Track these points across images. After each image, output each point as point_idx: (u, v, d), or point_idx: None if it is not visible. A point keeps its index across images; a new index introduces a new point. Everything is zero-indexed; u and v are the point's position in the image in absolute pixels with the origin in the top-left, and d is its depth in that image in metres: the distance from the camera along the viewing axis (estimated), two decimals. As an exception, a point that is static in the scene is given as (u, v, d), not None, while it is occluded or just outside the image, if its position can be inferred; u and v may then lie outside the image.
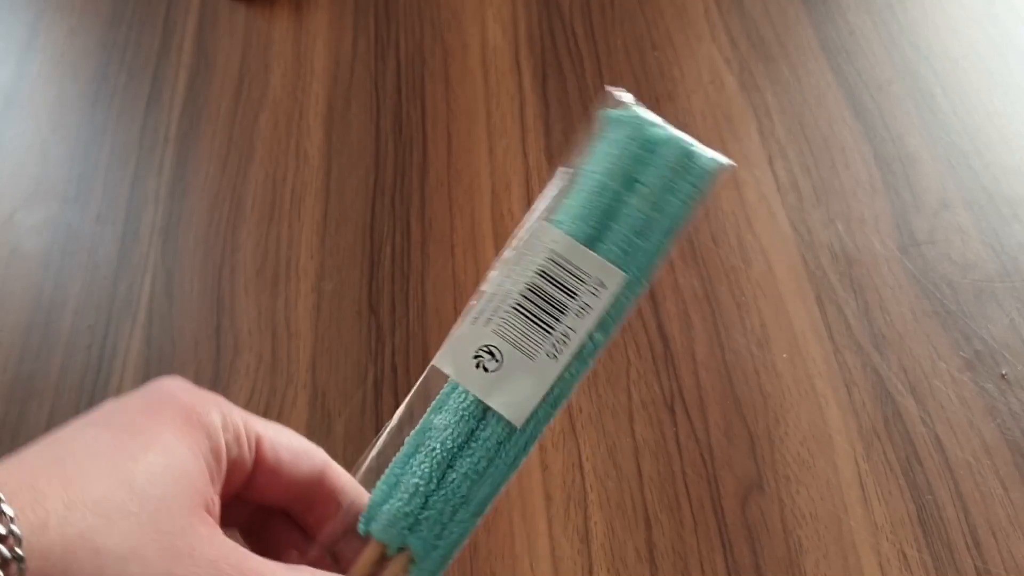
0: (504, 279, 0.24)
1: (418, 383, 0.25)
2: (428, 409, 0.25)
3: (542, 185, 0.50)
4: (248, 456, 0.23)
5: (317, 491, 0.25)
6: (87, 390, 0.44)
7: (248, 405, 0.42)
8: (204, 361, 0.44)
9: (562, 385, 0.24)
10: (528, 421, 0.24)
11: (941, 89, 0.51)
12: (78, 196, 0.51)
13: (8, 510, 0.17)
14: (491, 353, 0.24)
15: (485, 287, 0.25)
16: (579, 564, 0.38)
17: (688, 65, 0.54)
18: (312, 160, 0.52)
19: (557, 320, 0.24)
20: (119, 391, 0.44)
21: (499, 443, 0.24)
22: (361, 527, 0.24)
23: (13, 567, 0.17)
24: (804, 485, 0.39)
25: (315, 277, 0.47)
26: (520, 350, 0.24)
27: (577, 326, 0.24)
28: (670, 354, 0.43)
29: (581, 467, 0.40)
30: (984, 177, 0.47)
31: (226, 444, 0.22)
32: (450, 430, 0.24)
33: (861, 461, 0.39)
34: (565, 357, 0.24)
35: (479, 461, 0.23)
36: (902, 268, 0.45)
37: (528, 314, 0.24)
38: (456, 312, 0.46)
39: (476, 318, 0.24)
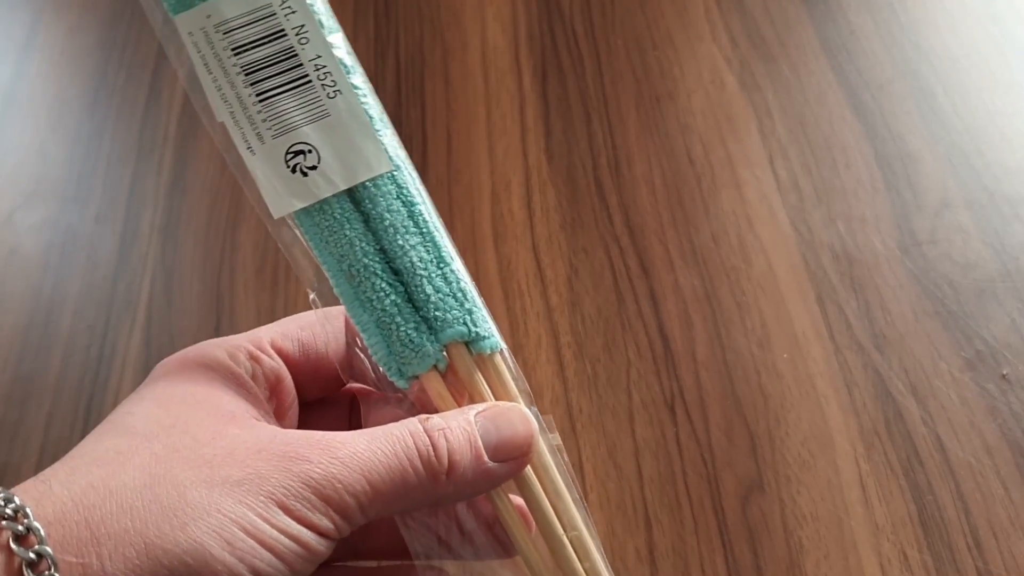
0: (220, 92, 0.21)
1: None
2: (321, 258, 0.22)
3: (542, 185, 0.50)
4: (275, 362, 0.22)
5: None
6: (86, 390, 0.44)
7: (248, 405, 0.42)
8: (203, 361, 0.44)
9: (363, 99, 0.21)
10: (390, 155, 0.21)
11: (942, 88, 0.51)
12: (77, 196, 0.51)
13: (11, 500, 0.17)
14: (299, 152, 0.21)
15: (217, 119, 0.21)
16: (579, 565, 0.38)
17: (688, 64, 0.54)
18: (312, 160, 0.52)
19: (298, 62, 0.21)
20: (118, 391, 0.44)
21: (397, 196, 0.21)
22: (403, 382, 0.22)
23: (31, 539, 0.16)
24: (805, 485, 0.39)
25: (315, 277, 0.47)
26: (311, 121, 0.21)
27: (316, 49, 0.20)
28: (670, 354, 0.43)
29: (581, 467, 0.40)
30: (985, 177, 0.47)
31: (240, 364, 0.21)
32: (357, 243, 0.21)
33: (862, 461, 0.39)
34: (341, 81, 0.21)
35: (401, 225, 0.21)
36: (903, 268, 0.45)
37: (275, 90, 0.21)
38: (456, 312, 0.46)
39: (249, 146, 0.21)
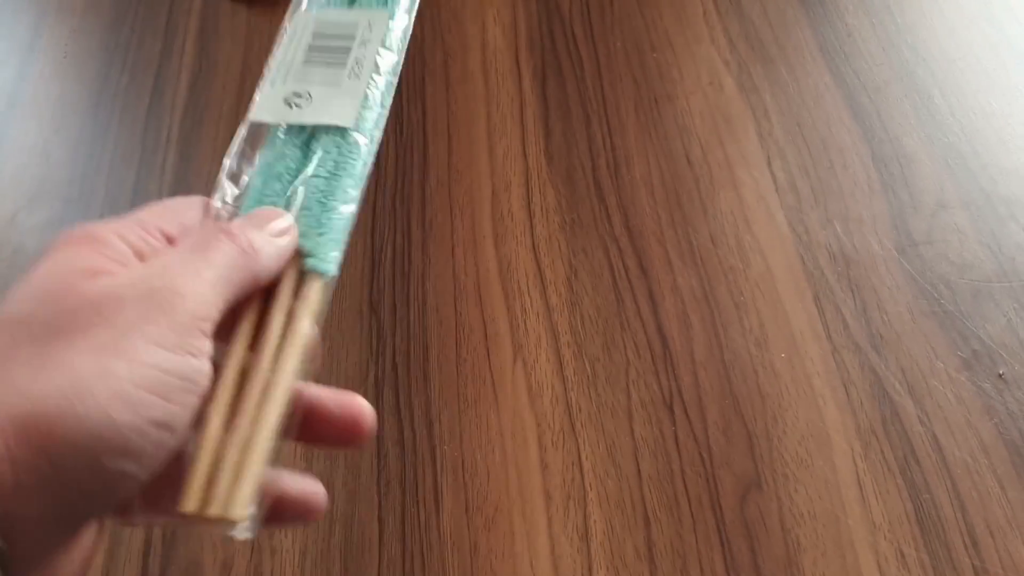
0: (286, 51, 0.27)
1: (236, 144, 0.27)
2: (259, 154, 0.26)
3: (542, 185, 0.51)
4: (160, 244, 0.23)
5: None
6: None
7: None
8: (206, 361, 0.45)
9: (376, 90, 0.27)
10: (356, 120, 0.26)
11: (939, 90, 0.51)
12: (80, 197, 0.52)
13: None
14: (298, 95, 0.27)
15: (270, 63, 0.27)
16: (579, 562, 0.38)
17: (687, 67, 0.54)
18: (313, 161, 0.52)
19: (346, 55, 0.27)
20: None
21: (337, 146, 0.26)
22: None
23: None
24: (802, 484, 0.39)
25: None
26: (324, 85, 0.27)
27: (364, 54, 0.27)
28: (669, 354, 0.43)
29: (580, 466, 0.40)
30: (981, 178, 0.47)
31: (129, 245, 0.22)
32: (287, 158, 0.26)
33: (859, 460, 0.39)
34: (364, 74, 0.27)
35: (327, 163, 0.26)
36: (900, 268, 0.45)
37: (318, 62, 0.27)
38: (457, 312, 0.46)
39: (273, 81, 0.27)
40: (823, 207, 0.47)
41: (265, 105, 0.27)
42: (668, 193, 0.49)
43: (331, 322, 0.46)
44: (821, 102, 0.51)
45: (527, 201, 0.49)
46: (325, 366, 0.44)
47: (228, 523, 0.21)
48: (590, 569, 0.38)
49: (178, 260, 0.21)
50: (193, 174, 0.52)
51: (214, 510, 0.20)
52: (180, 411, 0.19)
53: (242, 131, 0.27)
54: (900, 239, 0.46)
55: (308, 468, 0.42)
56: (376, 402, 0.43)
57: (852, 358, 0.42)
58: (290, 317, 0.24)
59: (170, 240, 0.23)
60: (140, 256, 0.22)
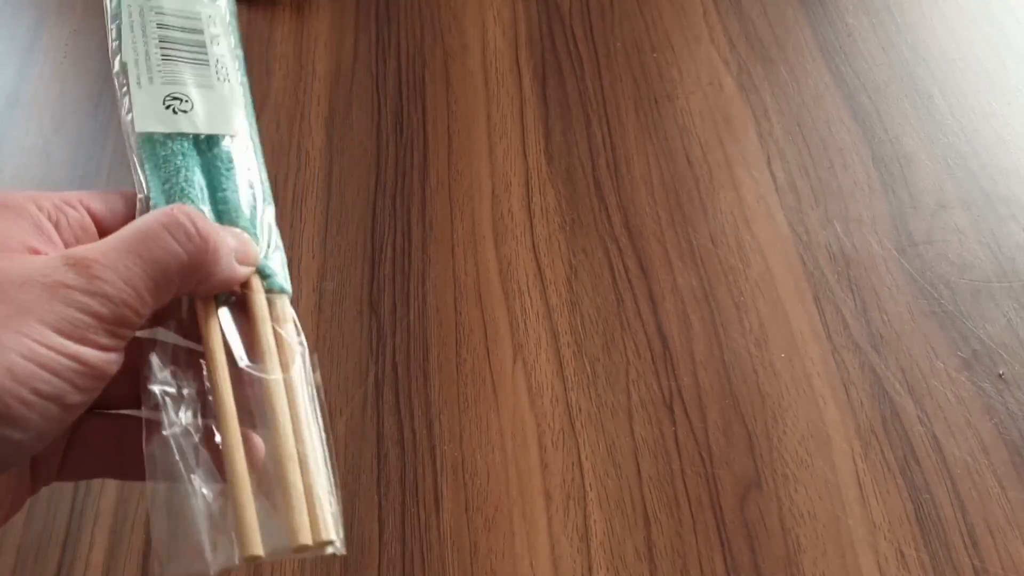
0: (133, 45, 0.26)
1: (134, 156, 0.26)
2: (151, 178, 0.26)
3: (542, 185, 0.51)
4: (81, 215, 0.23)
5: None
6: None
7: (249, 404, 0.42)
8: (206, 361, 0.45)
9: (245, 92, 0.28)
10: (248, 128, 0.27)
11: (939, 90, 0.51)
12: (80, 197, 0.52)
13: None
14: (178, 98, 0.26)
15: (118, 62, 0.26)
16: (578, 563, 0.38)
17: (687, 66, 0.54)
18: (313, 161, 0.52)
19: (205, 54, 0.27)
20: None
21: (228, 153, 0.26)
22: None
23: None
24: (802, 484, 0.39)
25: (316, 277, 0.48)
26: (199, 87, 0.26)
27: (221, 52, 0.27)
28: (669, 354, 0.43)
29: (580, 466, 0.40)
30: (981, 178, 0.47)
31: (43, 211, 0.22)
32: (183, 173, 0.26)
33: (859, 460, 0.39)
34: (233, 76, 0.27)
35: (225, 170, 0.26)
36: (900, 268, 0.45)
37: (178, 59, 0.27)
38: (457, 312, 0.46)
39: (139, 82, 0.26)
40: (823, 207, 0.47)
41: (147, 111, 0.26)
42: (668, 193, 0.49)
43: (331, 322, 0.46)
44: (821, 102, 0.52)
45: (527, 201, 0.50)
46: (324, 367, 0.44)
47: (328, 544, 0.21)
48: (590, 569, 0.38)
49: (100, 252, 0.20)
50: (193, 174, 0.52)
51: (324, 536, 0.21)
52: (71, 389, 0.19)
53: (131, 142, 0.26)
54: (900, 239, 0.46)
55: (308, 468, 0.42)
56: (376, 402, 0.43)
57: (852, 358, 0.42)
58: (278, 338, 0.24)
59: (95, 217, 0.23)
60: (56, 226, 0.22)
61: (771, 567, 0.37)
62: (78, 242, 0.23)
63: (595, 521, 0.39)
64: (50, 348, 0.18)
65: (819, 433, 0.40)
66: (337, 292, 0.47)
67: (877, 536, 0.37)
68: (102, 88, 0.57)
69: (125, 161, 0.53)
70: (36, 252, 0.21)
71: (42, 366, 0.18)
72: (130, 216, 0.25)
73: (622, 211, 0.48)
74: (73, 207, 0.23)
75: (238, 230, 0.25)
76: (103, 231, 0.24)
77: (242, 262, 0.24)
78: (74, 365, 0.19)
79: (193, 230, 0.22)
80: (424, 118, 0.54)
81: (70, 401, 0.19)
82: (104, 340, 0.20)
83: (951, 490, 0.38)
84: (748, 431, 0.41)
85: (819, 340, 0.43)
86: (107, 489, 0.42)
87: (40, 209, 0.22)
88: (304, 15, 0.60)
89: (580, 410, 0.42)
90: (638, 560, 0.38)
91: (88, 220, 0.23)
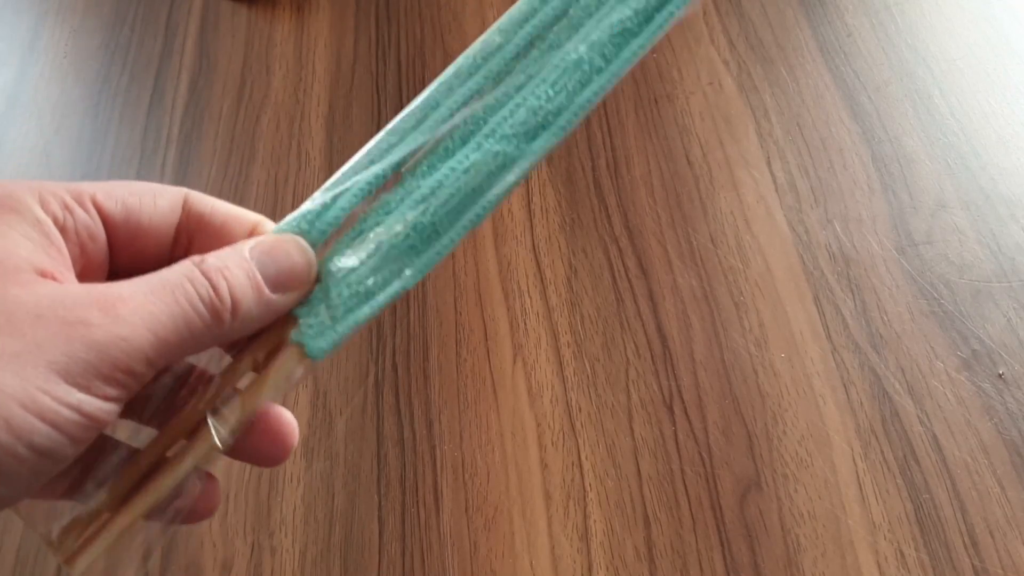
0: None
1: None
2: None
3: (542, 186, 0.51)
4: (91, 219, 0.21)
5: (191, 226, 0.23)
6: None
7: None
8: (206, 361, 0.45)
9: None
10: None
11: (939, 90, 0.51)
12: (80, 197, 0.52)
13: None
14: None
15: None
16: (578, 562, 0.38)
17: (687, 67, 0.54)
18: (314, 161, 0.52)
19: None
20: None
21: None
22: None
23: None
24: (802, 484, 0.39)
25: (316, 277, 0.48)
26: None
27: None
28: (669, 354, 0.43)
29: (580, 466, 0.41)
30: (981, 178, 0.47)
31: (49, 212, 0.20)
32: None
33: (859, 460, 0.39)
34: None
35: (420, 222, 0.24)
36: (899, 268, 0.45)
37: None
38: (457, 312, 0.46)
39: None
40: (823, 207, 0.47)
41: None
42: (668, 193, 0.49)
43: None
44: (821, 102, 0.52)
45: (527, 201, 0.50)
46: (325, 367, 0.44)
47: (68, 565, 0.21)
48: (590, 569, 0.38)
49: (127, 294, 0.19)
50: (193, 174, 0.52)
51: (59, 556, 0.21)
52: (67, 443, 0.18)
53: None
54: (900, 239, 0.46)
55: (308, 467, 0.42)
56: (376, 402, 0.43)
57: (852, 358, 0.42)
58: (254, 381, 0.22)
59: (105, 218, 0.21)
60: (63, 231, 0.20)
61: (771, 567, 0.37)
62: (83, 253, 0.21)
63: (595, 521, 0.39)
64: (54, 398, 0.17)
65: (819, 433, 0.40)
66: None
67: (877, 536, 0.38)
68: (102, 88, 0.57)
69: (125, 161, 0.53)
70: (45, 274, 0.19)
71: (42, 418, 0.17)
72: (142, 215, 0.22)
73: (622, 211, 0.48)
74: (83, 205, 0.21)
75: (280, 239, 0.22)
76: (112, 236, 0.22)
77: (282, 289, 0.21)
78: (75, 417, 0.18)
79: (212, 297, 0.20)
80: (424, 118, 0.54)
81: (64, 454, 0.18)
82: (110, 390, 0.18)
83: (951, 490, 0.38)
84: (748, 431, 0.41)
85: (819, 340, 0.43)
86: (107, 489, 0.42)
87: (46, 209, 0.20)
88: (304, 15, 0.60)
89: (580, 410, 0.42)
90: (638, 560, 0.38)
91: (98, 224, 0.21)
